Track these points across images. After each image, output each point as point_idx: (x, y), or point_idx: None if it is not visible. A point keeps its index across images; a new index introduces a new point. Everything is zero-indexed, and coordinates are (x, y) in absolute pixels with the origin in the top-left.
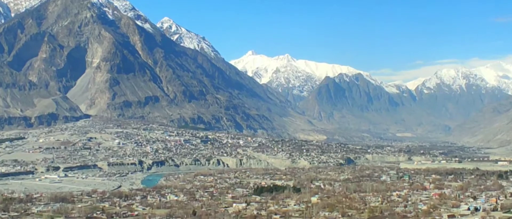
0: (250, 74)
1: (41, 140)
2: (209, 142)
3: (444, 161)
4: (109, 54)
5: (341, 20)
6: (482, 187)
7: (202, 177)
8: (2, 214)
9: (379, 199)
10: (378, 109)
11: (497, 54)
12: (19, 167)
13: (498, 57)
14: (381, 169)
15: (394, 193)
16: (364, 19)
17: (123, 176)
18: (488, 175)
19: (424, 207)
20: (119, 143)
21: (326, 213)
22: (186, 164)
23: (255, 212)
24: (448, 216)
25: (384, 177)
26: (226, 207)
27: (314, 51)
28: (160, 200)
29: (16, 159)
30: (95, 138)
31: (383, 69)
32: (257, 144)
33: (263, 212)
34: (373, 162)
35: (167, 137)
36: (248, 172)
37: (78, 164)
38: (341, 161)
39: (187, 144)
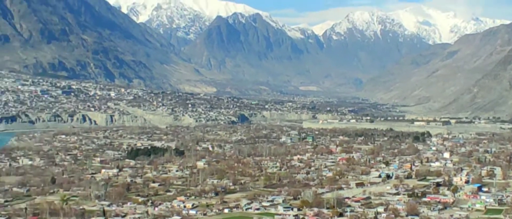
0: (125, 10)
1: None
2: (72, 94)
3: (354, 121)
4: None
5: None
6: (395, 151)
7: (63, 136)
8: None
9: (278, 164)
10: (279, 57)
11: None
12: None
13: (418, 0)
14: (281, 129)
15: (295, 158)
16: None
17: None
18: (403, 137)
19: (330, 174)
20: None
21: (215, 181)
22: (44, 121)
23: (128, 180)
24: (357, 184)
25: (283, 139)
26: (93, 173)
27: None
28: (10, 165)
29: None
30: None
31: (285, 9)
32: (132, 97)
33: (138, 180)
34: (271, 120)
35: (19, 87)
36: (120, 131)
37: None
38: (234, 118)
39: (45, 95)
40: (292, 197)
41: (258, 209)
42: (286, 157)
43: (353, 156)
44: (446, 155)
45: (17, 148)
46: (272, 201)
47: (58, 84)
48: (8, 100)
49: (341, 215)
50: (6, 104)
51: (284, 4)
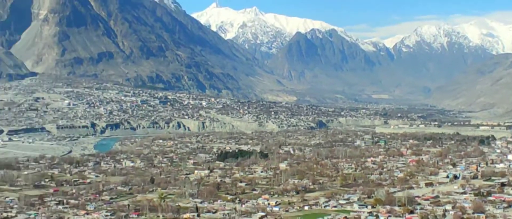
0: (214, 28)
1: None
2: (168, 103)
3: (423, 125)
4: (58, 4)
5: None
6: (462, 153)
7: (161, 141)
8: None
9: (353, 165)
10: (353, 69)
11: (481, 10)
12: None
13: (482, 14)
14: (355, 134)
15: (369, 160)
16: None
17: (74, 140)
18: (469, 140)
19: (401, 175)
20: (69, 104)
21: (296, 181)
22: (144, 127)
23: (218, 180)
24: (426, 184)
25: (358, 142)
26: (187, 174)
27: (284, 4)
28: (114, 166)
29: None
30: (43, 98)
31: (359, 25)
32: (221, 106)
33: (227, 180)
34: (347, 125)
35: (122, 98)
36: (211, 136)
37: (24, 127)
38: (312, 124)
39: (145, 105)
40: (366, 196)
41: (335, 206)
42: (360, 159)
43: (422, 158)
44: (510, 157)
45: (120, 152)
46: (348, 199)
47: (156, 95)
48: (113, 109)
49: (411, 212)
50: (111, 113)
51: (358, 20)
